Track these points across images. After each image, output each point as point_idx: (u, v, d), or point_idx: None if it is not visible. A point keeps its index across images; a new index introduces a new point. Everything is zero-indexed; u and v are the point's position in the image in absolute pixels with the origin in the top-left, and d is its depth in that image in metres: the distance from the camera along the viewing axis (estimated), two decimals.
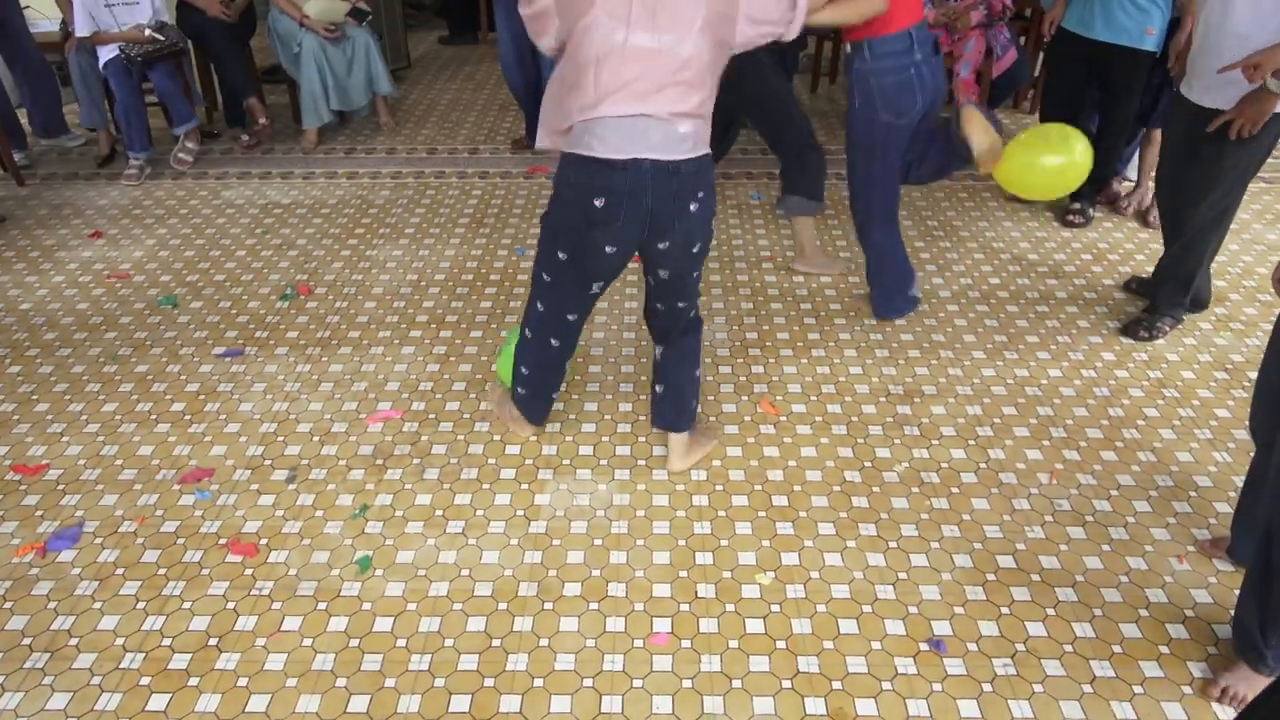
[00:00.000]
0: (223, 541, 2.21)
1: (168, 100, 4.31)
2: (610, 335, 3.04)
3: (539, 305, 2.23)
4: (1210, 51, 2.59)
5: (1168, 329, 3.02)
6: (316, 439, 2.57)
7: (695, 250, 2.07)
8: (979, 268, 3.49)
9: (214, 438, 2.57)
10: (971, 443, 2.54)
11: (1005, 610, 2.02)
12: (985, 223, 3.86)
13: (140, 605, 2.03)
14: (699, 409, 2.50)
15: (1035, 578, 2.10)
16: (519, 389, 2.43)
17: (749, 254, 3.58)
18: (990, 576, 2.11)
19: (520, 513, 2.29)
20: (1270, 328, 2.77)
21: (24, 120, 4.69)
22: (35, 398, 2.75)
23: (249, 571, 2.12)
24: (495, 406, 2.60)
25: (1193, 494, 2.35)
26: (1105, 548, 2.19)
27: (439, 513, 2.30)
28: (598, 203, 1.92)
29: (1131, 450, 2.51)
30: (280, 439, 2.57)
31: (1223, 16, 2.53)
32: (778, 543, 2.20)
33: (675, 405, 2.34)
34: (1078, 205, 3.83)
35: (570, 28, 1.88)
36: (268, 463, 2.48)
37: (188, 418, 2.66)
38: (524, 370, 2.38)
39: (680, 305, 2.20)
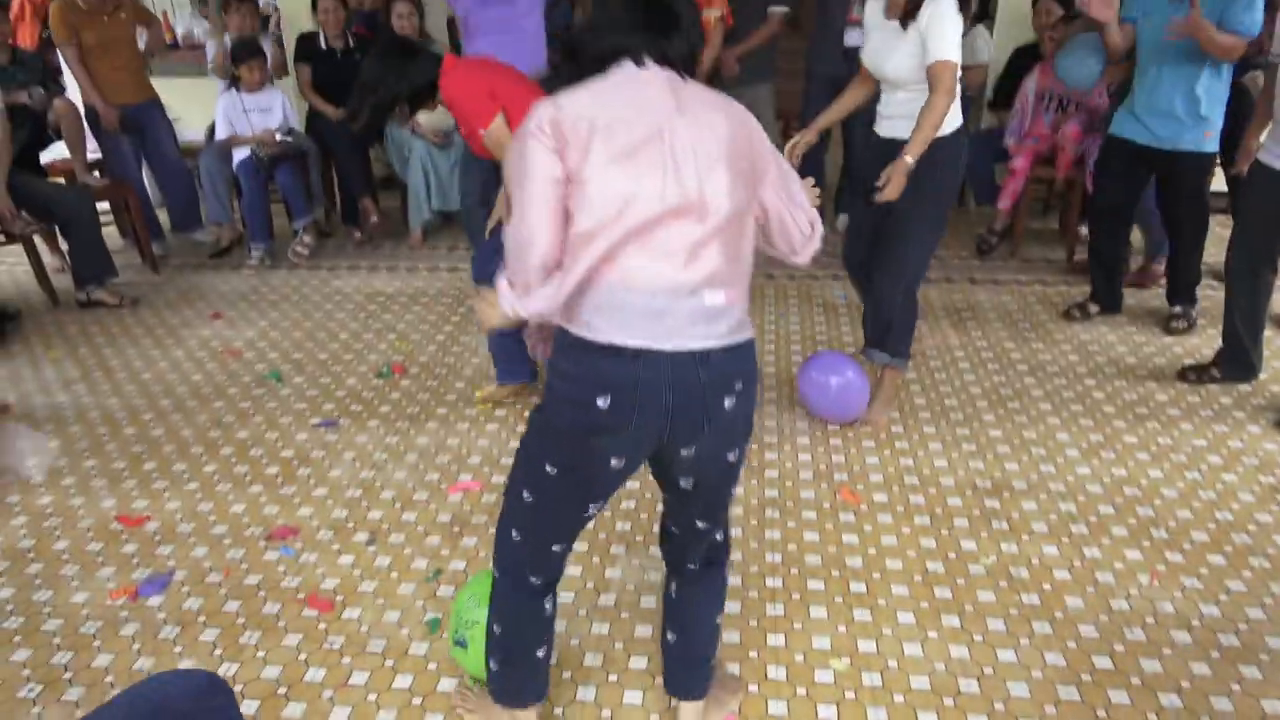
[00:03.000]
0: (301, 596, 2.26)
1: (290, 197, 4.67)
2: None
3: (515, 534, 1.63)
4: None
5: None
6: (398, 505, 2.63)
7: (731, 459, 1.56)
8: (1073, 369, 3.39)
9: (302, 500, 2.66)
10: (1065, 540, 2.42)
11: (1102, 713, 1.87)
12: (1079, 326, 3.76)
13: (217, 652, 2.08)
14: (717, 661, 1.87)
15: (1136, 681, 1.95)
16: (492, 662, 1.72)
17: (832, 346, 3.57)
18: (1086, 677, 1.97)
19: (590, 585, 2.28)
20: None
21: (163, 217, 5.13)
22: (144, 457, 2.92)
23: (323, 626, 2.16)
24: (479, 714, 1.87)
25: None
26: (1214, 654, 2.02)
27: None
28: (601, 402, 1.42)
29: (1243, 555, 2.34)
30: (364, 504, 2.64)
31: None
32: (854, 629, 2.12)
33: (686, 662, 1.79)
34: (1178, 310, 3.71)
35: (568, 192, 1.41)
36: (350, 525, 2.54)
37: (280, 480, 2.76)
38: (496, 628, 1.69)
39: (701, 526, 1.66)
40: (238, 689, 1.97)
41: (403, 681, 1.99)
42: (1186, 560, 2.33)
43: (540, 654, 1.70)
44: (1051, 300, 4.06)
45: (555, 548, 1.63)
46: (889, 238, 2.81)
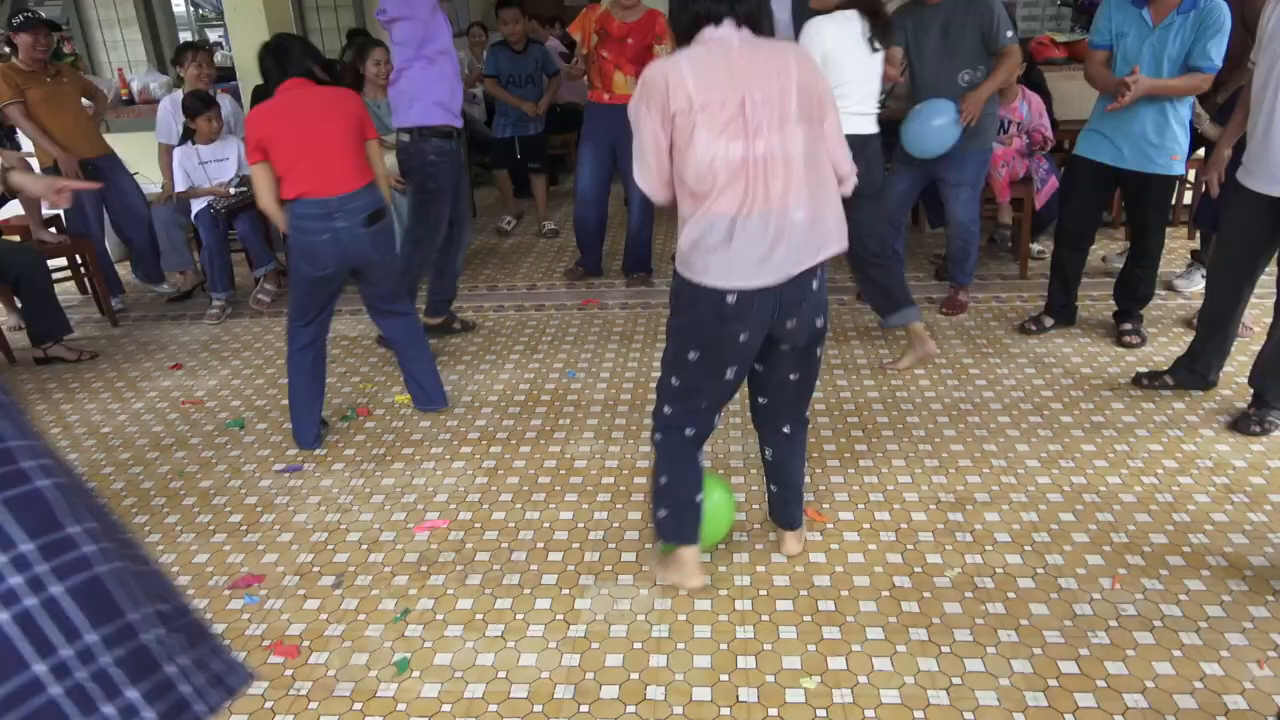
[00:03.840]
0: (266, 643, 2.22)
1: (249, 245, 4.66)
2: None
3: (666, 409, 2.18)
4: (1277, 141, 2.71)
5: (1279, 422, 2.96)
6: (365, 547, 2.60)
7: (819, 325, 2.09)
8: (1030, 381, 3.45)
9: (267, 546, 2.63)
10: (1028, 548, 2.45)
11: (1069, 718, 1.89)
12: (1035, 339, 3.84)
13: None
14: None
15: (1101, 684, 1.98)
16: (660, 511, 2.23)
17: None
18: (1052, 683, 1.99)
19: (560, 616, 2.27)
20: None
21: (122, 271, 5.10)
22: None
23: (289, 672, 2.13)
24: (658, 568, 2.38)
25: (1270, 599, 2.21)
26: (1176, 653, 2.05)
27: (479, 617, 2.28)
28: (730, 299, 1.94)
29: (1200, 555, 2.39)
30: (330, 547, 2.61)
31: None
32: (824, 647, 2.13)
33: (788, 503, 2.43)
34: (1129, 326, 3.78)
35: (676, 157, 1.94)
36: (316, 569, 2.51)
37: (244, 528, 2.73)
38: (662, 479, 2.21)
39: (794, 379, 2.19)
40: None
41: None
42: (1146, 562, 2.37)
43: (698, 499, 2.23)
44: (1006, 315, 4.14)
45: (703, 404, 2.14)
46: None
